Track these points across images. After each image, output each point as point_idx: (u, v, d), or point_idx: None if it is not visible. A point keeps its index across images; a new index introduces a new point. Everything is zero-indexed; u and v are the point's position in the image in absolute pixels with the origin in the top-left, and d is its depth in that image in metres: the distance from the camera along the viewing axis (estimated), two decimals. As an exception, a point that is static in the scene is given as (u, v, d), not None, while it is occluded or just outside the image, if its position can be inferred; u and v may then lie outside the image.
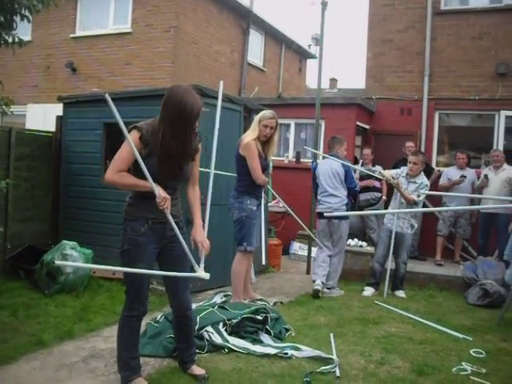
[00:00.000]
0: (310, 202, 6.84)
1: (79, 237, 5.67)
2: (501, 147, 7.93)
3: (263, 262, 5.84)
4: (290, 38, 14.92)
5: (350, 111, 8.48)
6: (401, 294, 5.91)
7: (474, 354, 3.88)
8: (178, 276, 3.01)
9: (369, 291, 5.91)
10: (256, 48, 13.71)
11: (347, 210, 5.83)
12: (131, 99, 5.76)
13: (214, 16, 11.59)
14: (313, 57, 16.21)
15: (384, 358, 3.71)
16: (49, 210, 6.41)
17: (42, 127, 7.14)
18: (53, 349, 3.67)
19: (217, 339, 3.73)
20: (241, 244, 4.83)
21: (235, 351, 3.66)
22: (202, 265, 2.91)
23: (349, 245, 6.65)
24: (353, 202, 6.73)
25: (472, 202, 7.47)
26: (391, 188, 6.36)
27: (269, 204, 7.31)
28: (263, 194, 5.04)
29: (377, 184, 7.62)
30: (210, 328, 3.79)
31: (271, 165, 6.84)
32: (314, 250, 6.69)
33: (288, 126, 9.26)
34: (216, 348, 3.69)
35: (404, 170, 6.00)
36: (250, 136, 4.77)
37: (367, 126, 9.07)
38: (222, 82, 3.18)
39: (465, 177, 7.23)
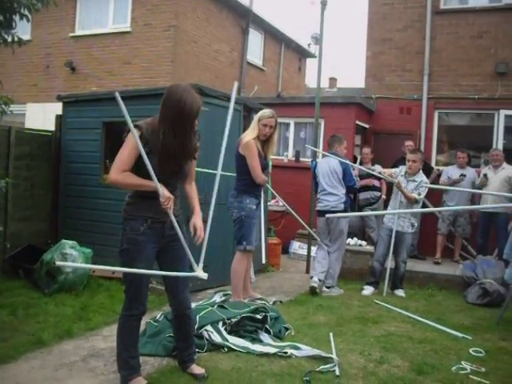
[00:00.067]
0: (310, 200, 6.85)
1: (79, 236, 5.67)
2: (500, 146, 7.93)
3: (263, 261, 5.85)
4: (290, 37, 14.93)
5: (350, 110, 8.48)
6: (400, 293, 5.91)
7: (473, 353, 3.88)
8: (176, 276, 3.01)
9: (368, 290, 5.91)
10: (255, 47, 13.71)
11: (347, 209, 5.84)
12: (130, 98, 5.72)
13: (214, 15, 11.58)
14: (312, 56, 16.21)
15: (383, 357, 3.71)
16: (48, 209, 6.41)
17: (41, 126, 7.15)
18: (52, 348, 3.67)
19: (216, 338, 3.73)
20: (240, 243, 4.83)
21: (235, 350, 3.66)
22: (201, 264, 2.90)
23: (348, 244, 6.65)
24: (352, 200, 6.73)
25: (472, 201, 7.47)
26: (391, 187, 6.36)
27: (268, 203, 7.31)
28: (262, 194, 5.04)
29: (376, 183, 7.63)
30: (209, 327, 3.79)
31: (270, 164, 6.84)
32: (314, 249, 6.70)
33: (287, 125, 9.25)
34: (215, 347, 3.69)
35: (402, 168, 6.00)
36: (249, 135, 4.77)
37: (367, 125, 9.07)
38: (236, 84, 3.16)
39: (464, 175, 7.24)
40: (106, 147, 6.05)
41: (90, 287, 5.23)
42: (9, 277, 5.47)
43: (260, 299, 5.01)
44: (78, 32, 11.44)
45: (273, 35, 14.38)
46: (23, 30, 7.41)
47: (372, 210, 7.57)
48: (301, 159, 8.90)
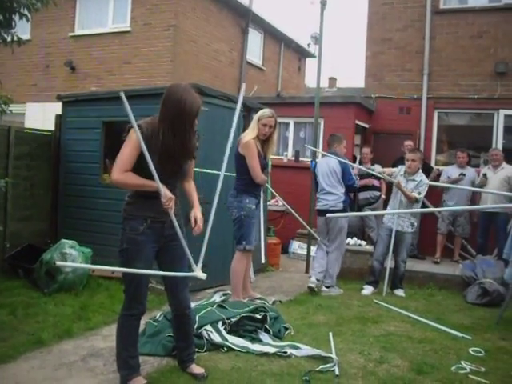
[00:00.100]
0: (309, 200, 6.85)
1: (78, 236, 5.66)
2: (500, 146, 7.93)
3: (262, 261, 5.84)
4: (290, 36, 14.92)
5: (349, 110, 8.48)
6: (400, 292, 5.91)
7: (472, 353, 3.88)
8: (175, 276, 3.01)
9: (368, 290, 5.91)
10: (255, 47, 13.71)
11: (346, 208, 5.84)
12: (130, 98, 5.65)
13: (213, 15, 11.58)
14: (312, 56, 16.21)
15: (383, 357, 3.71)
16: (48, 208, 6.40)
17: (41, 126, 7.15)
18: (52, 348, 3.67)
19: (216, 338, 3.73)
20: (240, 243, 4.83)
21: (234, 350, 3.66)
22: (200, 264, 2.90)
23: (348, 244, 6.65)
24: (352, 200, 6.73)
25: (472, 201, 7.47)
26: (390, 187, 6.36)
27: (268, 203, 7.31)
28: (262, 193, 5.04)
29: (376, 183, 7.64)
30: (209, 327, 3.80)
31: (270, 164, 6.84)
32: (314, 248, 6.70)
33: (287, 124, 9.25)
34: (215, 347, 3.69)
35: (402, 168, 6.00)
36: (249, 135, 4.77)
37: (366, 125, 9.07)
38: (244, 85, 3.15)
39: (464, 174, 7.24)
40: (105, 147, 6.05)
41: (89, 287, 5.23)
42: (8, 276, 5.47)
43: (259, 299, 5.01)
44: (78, 32, 11.44)
45: (272, 35, 14.37)
46: (23, 29, 7.39)
47: (371, 209, 7.58)
48: (300, 159, 8.90)
